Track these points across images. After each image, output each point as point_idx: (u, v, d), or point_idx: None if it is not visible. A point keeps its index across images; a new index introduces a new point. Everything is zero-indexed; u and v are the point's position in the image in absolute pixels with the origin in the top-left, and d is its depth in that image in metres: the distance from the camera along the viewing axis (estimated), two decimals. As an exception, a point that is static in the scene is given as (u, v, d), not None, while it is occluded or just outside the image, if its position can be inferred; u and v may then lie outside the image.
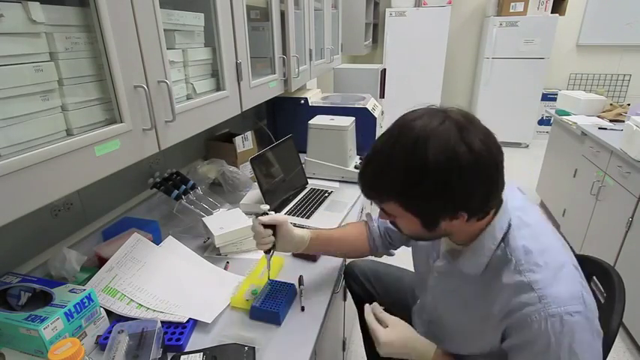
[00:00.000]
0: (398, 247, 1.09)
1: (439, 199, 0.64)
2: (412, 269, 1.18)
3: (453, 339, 0.85)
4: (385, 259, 1.18)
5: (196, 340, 0.83)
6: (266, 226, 0.92)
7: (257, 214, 0.95)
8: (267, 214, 0.95)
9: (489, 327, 0.72)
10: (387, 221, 0.93)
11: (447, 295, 0.84)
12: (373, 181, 0.71)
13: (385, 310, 0.91)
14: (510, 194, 0.75)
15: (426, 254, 0.90)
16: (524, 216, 0.73)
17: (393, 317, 0.87)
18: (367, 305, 0.90)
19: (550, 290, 0.65)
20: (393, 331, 0.84)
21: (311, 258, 1.12)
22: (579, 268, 0.72)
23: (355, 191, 1.54)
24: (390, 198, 0.69)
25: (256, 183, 1.34)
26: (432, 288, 0.89)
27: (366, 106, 1.89)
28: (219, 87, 1.13)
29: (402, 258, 1.27)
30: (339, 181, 1.65)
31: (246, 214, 1.22)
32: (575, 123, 2.43)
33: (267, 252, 0.95)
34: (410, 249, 1.01)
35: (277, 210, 1.38)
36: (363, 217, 1.13)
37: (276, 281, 0.98)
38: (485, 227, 0.71)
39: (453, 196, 0.64)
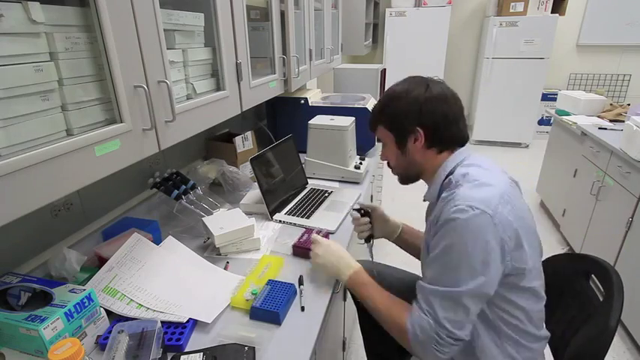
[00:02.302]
0: None
1: (401, 113, 0.89)
2: (412, 270, 1.20)
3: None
4: (386, 259, 1.18)
5: (196, 340, 0.83)
6: (362, 215, 1.14)
7: (353, 208, 1.16)
8: (363, 210, 1.14)
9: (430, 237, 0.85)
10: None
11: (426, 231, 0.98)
12: (372, 113, 0.97)
13: None
14: (481, 160, 0.88)
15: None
16: (482, 164, 0.86)
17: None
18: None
19: (464, 192, 0.78)
20: (332, 242, 1.03)
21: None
22: (513, 204, 0.79)
23: (355, 191, 1.54)
24: (378, 122, 0.95)
25: (256, 183, 1.34)
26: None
27: (366, 106, 1.88)
28: (219, 87, 1.13)
29: (403, 258, 1.27)
30: (339, 181, 1.65)
31: (247, 214, 1.22)
32: (575, 123, 2.43)
33: (367, 241, 1.14)
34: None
35: (277, 210, 1.38)
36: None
37: (276, 281, 0.98)
38: (442, 164, 0.90)
39: (410, 113, 0.88)
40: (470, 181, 0.81)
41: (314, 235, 1.06)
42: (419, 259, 1.16)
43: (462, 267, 0.76)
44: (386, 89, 0.97)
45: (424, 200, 0.98)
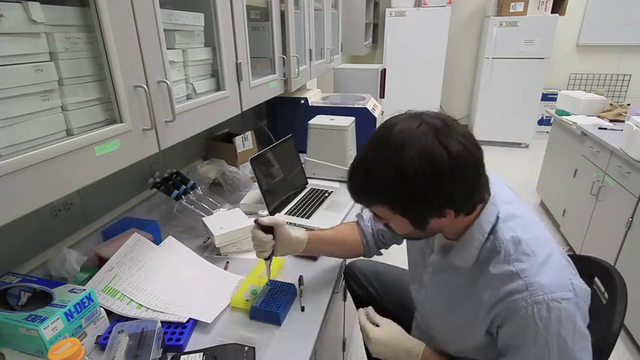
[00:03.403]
0: (390, 246, 1.10)
1: (423, 201, 0.66)
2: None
3: (444, 335, 0.86)
4: (386, 259, 1.18)
5: (196, 340, 0.83)
6: (265, 231, 0.92)
7: (255, 221, 0.94)
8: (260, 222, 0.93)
9: (478, 318, 0.73)
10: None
11: (440, 289, 0.85)
12: (359, 188, 0.73)
13: (385, 311, 0.91)
14: (499, 189, 0.76)
15: (420, 251, 0.91)
16: (513, 208, 0.75)
17: (384, 318, 0.90)
18: (361, 309, 0.92)
19: (536, 278, 0.66)
20: (383, 329, 0.88)
21: (311, 257, 1.12)
22: (568, 258, 0.73)
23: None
24: (377, 203, 0.71)
25: (256, 183, 1.34)
26: (426, 284, 0.89)
27: (366, 106, 1.89)
28: (219, 87, 1.13)
29: (403, 258, 1.27)
30: (339, 181, 1.65)
31: (246, 214, 1.22)
32: (575, 123, 2.43)
33: (266, 258, 0.94)
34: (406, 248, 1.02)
35: (277, 210, 1.38)
36: (354, 218, 1.13)
37: (276, 281, 0.98)
38: (474, 221, 0.73)
39: (436, 198, 0.66)
40: (529, 254, 0.68)
41: (363, 322, 0.89)
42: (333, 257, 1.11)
43: None
44: (376, 143, 0.69)
45: (454, 262, 0.78)
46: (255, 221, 0.94)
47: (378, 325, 0.88)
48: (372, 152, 0.69)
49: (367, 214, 1.10)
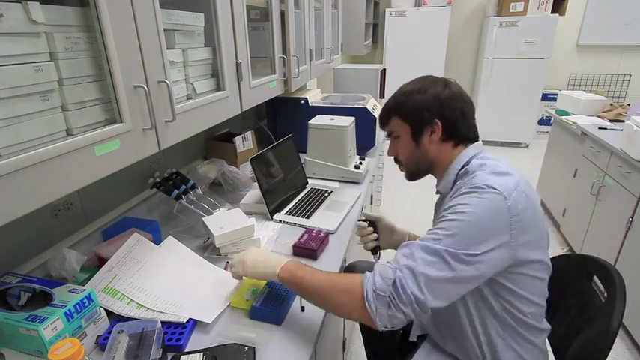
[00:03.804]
0: None
1: (422, 106, 0.90)
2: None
3: None
4: (386, 259, 1.17)
5: (196, 340, 0.83)
6: (368, 225, 1.13)
7: (359, 219, 1.14)
8: (368, 219, 1.13)
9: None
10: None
11: (434, 223, 0.93)
12: (386, 108, 0.98)
13: None
14: (498, 158, 0.88)
15: (435, 213, 1.03)
16: (498, 159, 0.87)
17: None
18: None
19: (482, 175, 0.80)
20: (245, 252, 0.94)
21: (312, 256, 1.12)
22: (529, 196, 0.79)
23: (355, 191, 1.54)
24: (392, 114, 0.96)
25: (256, 183, 1.34)
26: None
27: (366, 106, 1.89)
28: (219, 87, 1.13)
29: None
30: (339, 181, 1.65)
31: (246, 214, 1.22)
32: (575, 123, 2.43)
33: (373, 253, 1.13)
34: None
35: (277, 210, 1.38)
36: (361, 217, 1.20)
37: (276, 281, 0.98)
38: (457, 158, 0.91)
39: (431, 106, 0.89)
40: (488, 169, 0.82)
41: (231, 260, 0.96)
42: None
43: (463, 235, 0.73)
44: (400, 87, 0.98)
45: (437, 192, 0.99)
46: (360, 219, 1.15)
47: None
48: (395, 93, 0.98)
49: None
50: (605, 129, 2.26)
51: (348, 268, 1.26)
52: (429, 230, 0.79)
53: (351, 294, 0.76)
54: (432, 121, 0.89)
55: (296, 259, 0.90)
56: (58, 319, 0.75)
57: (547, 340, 0.94)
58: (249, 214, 1.23)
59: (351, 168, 1.65)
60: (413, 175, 1.00)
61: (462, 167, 0.89)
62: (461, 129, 0.91)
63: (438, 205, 1.02)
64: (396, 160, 1.00)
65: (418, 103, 0.91)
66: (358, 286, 0.76)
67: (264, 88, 1.41)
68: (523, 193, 0.78)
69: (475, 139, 0.94)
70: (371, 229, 1.13)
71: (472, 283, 0.76)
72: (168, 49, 0.87)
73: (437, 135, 0.90)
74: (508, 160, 0.87)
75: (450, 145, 0.91)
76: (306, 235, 1.18)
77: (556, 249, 2.57)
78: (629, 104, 2.54)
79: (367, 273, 0.78)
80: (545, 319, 0.91)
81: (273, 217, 1.34)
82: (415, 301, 0.71)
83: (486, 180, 0.78)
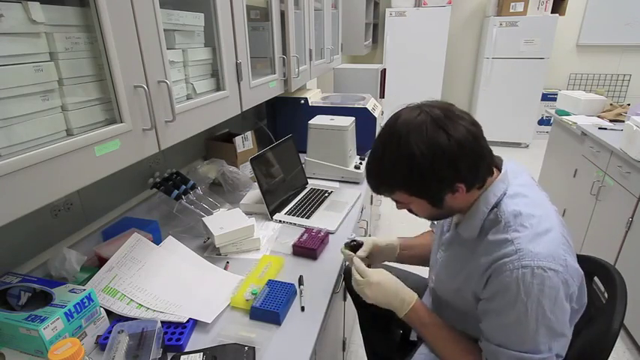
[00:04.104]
0: None
1: (435, 180, 0.73)
2: (414, 271, 1.18)
3: (448, 305, 0.89)
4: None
5: (196, 340, 0.83)
6: (355, 248, 1.02)
7: (350, 250, 1.02)
8: (356, 241, 1.03)
9: (471, 285, 0.78)
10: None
11: (448, 261, 0.89)
12: (377, 182, 0.81)
13: (386, 312, 0.91)
14: (518, 174, 0.81)
15: (439, 232, 0.96)
16: (524, 189, 0.78)
17: (375, 269, 0.94)
18: (353, 256, 0.97)
19: (528, 245, 0.69)
20: (380, 274, 0.91)
21: (312, 257, 1.12)
22: (570, 240, 0.74)
23: (355, 191, 1.54)
24: (395, 189, 0.79)
25: (256, 183, 1.34)
26: (438, 261, 0.93)
27: (366, 106, 1.89)
28: (219, 87, 1.13)
29: (402, 258, 1.26)
30: (339, 181, 1.65)
31: (246, 214, 1.22)
32: (575, 123, 2.43)
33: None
34: None
35: (277, 210, 1.38)
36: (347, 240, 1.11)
37: (276, 281, 0.98)
38: (481, 195, 0.79)
39: (446, 176, 0.73)
40: (526, 225, 0.71)
41: (357, 265, 0.93)
42: (422, 265, 1.14)
43: (540, 331, 0.68)
44: (384, 137, 0.77)
45: (459, 232, 0.84)
46: (346, 243, 1.05)
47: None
48: (381, 147, 0.77)
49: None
50: (605, 129, 2.26)
51: (348, 269, 1.26)
52: (489, 316, 0.74)
53: None
54: (452, 189, 0.75)
55: (419, 304, 0.89)
56: (58, 319, 0.75)
57: None
58: (249, 214, 1.23)
59: (351, 168, 1.65)
60: (433, 220, 0.93)
61: (491, 210, 0.77)
62: (483, 169, 0.76)
63: (455, 238, 0.88)
64: (411, 211, 0.86)
65: (428, 175, 0.72)
66: None
67: (264, 88, 1.41)
68: (568, 246, 0.72)
69: (495, 162, 0.80)
70: (362, 255, 1.02)
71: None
72: (168, 49, 0.87)
73: (462, 193, 0.76)
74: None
75: (476, 190, 0.78)
76: (306, 235, 1.18)
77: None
78: (629, 104, 2.53)
79: None
80: None
81: (273, 217, 1.34)
82: None
83: (535, 256, 0.68)
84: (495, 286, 0.71)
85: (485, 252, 0.75)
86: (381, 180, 0.80)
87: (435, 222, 1.02)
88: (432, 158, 0.70)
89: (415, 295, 0.89)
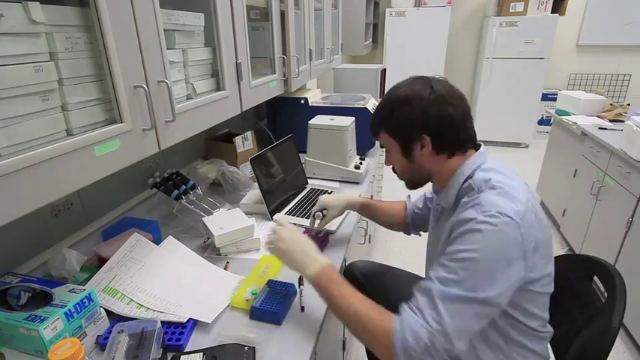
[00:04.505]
0: (419, 231, 1.25)
1: (405, 120, 0.84)
2: (412, 270, 1.19)
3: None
4: (386, 260, 1.18)
5: (196, 340, 0.83)
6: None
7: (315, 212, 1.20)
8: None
9: (445, 243, 0.80)
10: (417, 203, 1.23)
11: (435, 235, 0.96)
12: (372, 120, 0.93)
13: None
14: (501, 163, 0.86)
15: (433, 223, 1.00)
16: (501, 168, 0.83)
17: None
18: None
19: (491, 197, 0.75)
20: (292, 231, 0.94)
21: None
22: (538, 214, 0.77)
23: (355, 191, 1.54)
24: (381, 129, 0.91)
25: (256, 183, 1.34)
26: (429, 242, 1.01)
27: (366, 106, 1.89)
28: (219, 87, 1.13)
29: (403, 258, 1.27)
30: (339, 181, 1.65)
31: (246, 214, 1.22)
32: (575, 123, 2.43)
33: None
34: (410, 250, 1.04)
35: (277, 210, 1.38)
36: (404, 198, 1.29)
37: (276, 281, 0.98)
38: (458, 169, 0.86)
39: (415, 119, 0.83)
40: (494, 187, 0.77)
41: (279, 218, 1.01)
42: (388, 228, 1.29)
43: (482, 274, 0.70)
44: (387, 90, 0.91)
45: (437, 204, 0.95)
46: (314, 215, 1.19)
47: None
48: (382, 100, 0.91)
49: (414, 197, 1.25)
50: (605, 129, 2.26)
51: (348, 269, 1.26)
52: (443, 259, 0.75)
53: (379, 341, 0.74)
54: (418, 136, 0.84)
55: (333, 267, 0.86)
56: (58, 319, 0.75)
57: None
58: (249, 214, 1.23)
59: (351, 168, 1.65)
60: (411, 185, 0.97)
61: (465, 180, 0.84)
62: (452, 138, 0.84)
63: (439, 215, 0.96)
64: (394, 170, 0.97)
65: (402, 117, 0.84)
66: (387, 336, 0.72)
67: (264, 88, 1.41)
68: (533, 213, 0.75)
69: (473, 143, 0.88)
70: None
71: (493, 315, 0.77)
72: (168, 49, 0.87)
73: (427, 149, 0.84)
74: (506, 161, 0.85)
75: (445, 157, 0.86)
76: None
77: (556, 249, 2.57)
78: (629, 104, 2.53)
79: (395, 319, 0.73)
80: (548, 324, 0.89)
81: (273, 217, 1.34)
82: (448, 355, 0.70)
83: (497, 205, 0.72)
84: (456, 236, 0.75)
85: (457, 214, 0.79)
86: (373, 121, 0.92)
87: (413, 190, 1.02)
88: (408, 100, 0.83)
89: (329, 261, 0.87)
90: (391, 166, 0.97)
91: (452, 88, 0.85)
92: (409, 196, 1.27)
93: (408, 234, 1.27)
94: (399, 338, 0.71)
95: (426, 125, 0.82)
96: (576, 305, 0.98)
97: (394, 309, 0.90)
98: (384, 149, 0.97)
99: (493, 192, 0.76)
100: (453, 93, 0.84)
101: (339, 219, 1.33)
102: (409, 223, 1.23)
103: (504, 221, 0.71)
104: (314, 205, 1.42)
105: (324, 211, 1.20)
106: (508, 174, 0.82)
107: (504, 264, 0.71)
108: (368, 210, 1.28)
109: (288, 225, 0.96)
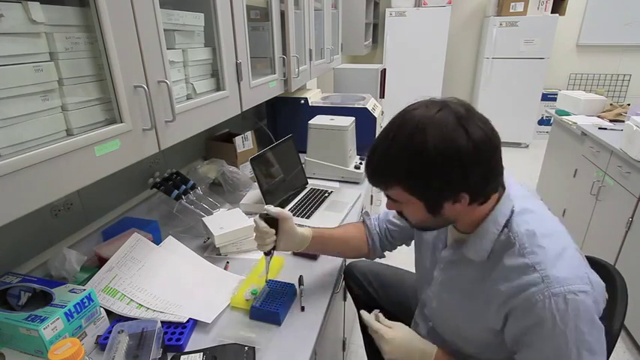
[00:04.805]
0: (397, 246, 1.09)
1: (440, 182, 0.66)
2: (413, 270, 1.17)
3: (454, 330, 0.85)
4: (386, 260, 1.17)
5: (196, 340, 0.83)
6: (270, 224, 0.90)
7: (260, 214, 0.92)
8: (269, 215, 0.92)
9: (491, 312, 0.73)
10: (390, 217, 1.05)
11: (452, 283, 0.84)
12: (378, 168, 0.73)
13: (384, 311, 0.91)
14: (512, 185, 0.77)
15: (432, 247, 0.90)
16: (527, 203, 0.75)
17: (394, 322, 0.90)
18: (364, 312, 0.92)
19: (552, 271, 0.65)
20: (396, 330, 0.87)
21: (311, 257, 1.12)
22: (582, 253, 0.72)
23: (355, 191, 1.54)
24: (394, 183, 0.71)
25: (256, 183, 1.34)
26: (436, 279, 0.88)
27: (366, 106, 1.89)
28: (219, 87, 1.13)
29: (403, 258, 1.27)
30: (339, 181, 1.65)
31: (246, 214, 1.22)
32: (575, 123, 2.43)
33: (267, 254, 0.93)
34: (410, 250, 1.01)
35: (277, 210, 1.38)
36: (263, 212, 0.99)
37: (276, 281, 0.98)
38: (489, 214, 0.73)
39: (453, 179, 0.66)
40: (543, 246, 0.68)
41: (371, 323, 0.89)
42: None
43: (583, 356, 0.65)
44: (395, 126, 0.69)
45: (467, 255, 0.77)
46: (261, 214, 0.92)
47: (389, 327, 0.88)
48: (392, 132, 0.69)
49: (375, 214, 1.10)
50: (605, 129, 2.26)
51: (348, 269, 1.26)
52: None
53: None
54: (454, 197, 0.68)
55: (439, 350, 0.84)
56: (58, 319, 0.75)
57: None
58: (249, 214, 1.23)
59: (351, 168, 1.65)
60: (422, 230, 0.86)
61: (502, 230, 0.72)
62: (491, 185, 0.71)
63: (458, 261, 0.81)
64: (402, 216, 0.79)
65: (433, 176, 0.66)
66: None
67: (264, 88, 1.41)
68: (584, 258, 0.71)
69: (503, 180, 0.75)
70: (273, 230, 0.91)
71: None
72: (168, 49, 0.87)
73: (463, 204, 0.70)
74: (506, 161, 0.72)
75: (477, 205, 0.72)
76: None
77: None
78: (629, 104, 2.53)
79: None
80: None
81: (264, 208, 1.34)
82: None
83: (563, 281, 0.64)
84: (527, 319, 0.67)
85: (503, 278, 0.70)
86: (381, 170, 0.72)
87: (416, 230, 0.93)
88: (444, 156, 0.63)
89: (435, 347, 0.85)
90: (397, 211, 0.79)
91: (486, 123, 0.69)
92: (367, 212, 1.13)
93: (374, 258, 1.11)
94: None
95: (464, 184, 0.67)
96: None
97: (394, 309, 0.90)
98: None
99: (550, 257, 0.67)
100: (488, 129, 0.68)
101: (340, 217, 1.33)
102: (376, 245, 1.06)
103: (581, 300, 0.64)
104: (314, 205, 1.42)
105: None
106: (539, 210, 0.75)
107: (596, 335, 0.67)
108: (319, 244, 1.02)
109: (386, 335, 0.86)
